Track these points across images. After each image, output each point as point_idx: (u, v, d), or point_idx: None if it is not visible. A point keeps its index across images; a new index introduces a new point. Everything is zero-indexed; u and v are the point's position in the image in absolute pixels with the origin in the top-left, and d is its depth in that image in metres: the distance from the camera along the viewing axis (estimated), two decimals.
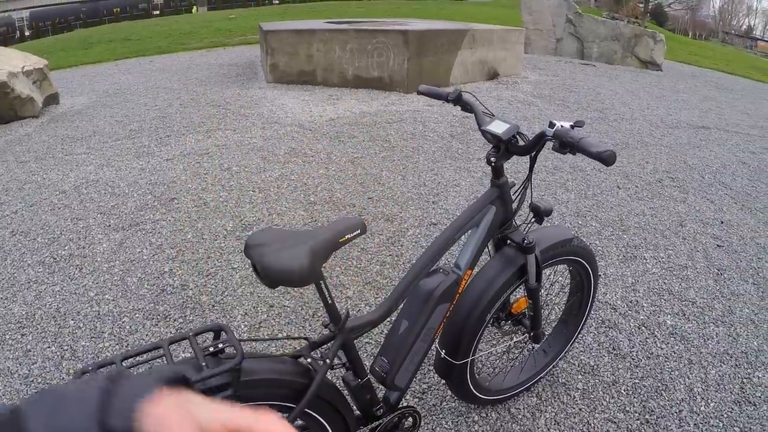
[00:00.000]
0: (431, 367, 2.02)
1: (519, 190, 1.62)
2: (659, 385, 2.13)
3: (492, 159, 1.51)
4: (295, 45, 7.07)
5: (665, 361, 2.27)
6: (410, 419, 1.61)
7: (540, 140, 1.43)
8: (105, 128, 5.23)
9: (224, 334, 1.06)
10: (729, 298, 2.78)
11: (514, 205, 1.62)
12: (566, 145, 1.34)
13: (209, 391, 0.98)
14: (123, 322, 2.40)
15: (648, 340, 2.40)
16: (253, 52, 10.34)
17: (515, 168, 3.89)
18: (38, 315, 2.45)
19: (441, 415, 1.93)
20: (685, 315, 2.60)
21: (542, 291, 1.80)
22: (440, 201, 3.70)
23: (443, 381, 1.98)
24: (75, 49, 13.00)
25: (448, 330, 1.63)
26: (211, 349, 1.03)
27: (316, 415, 1.26)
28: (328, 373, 1.24)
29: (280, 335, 2.33)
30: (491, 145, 1.54)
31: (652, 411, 2.00)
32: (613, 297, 2.71)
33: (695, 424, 1.95)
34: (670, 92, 8.39)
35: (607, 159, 1.26)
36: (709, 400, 2.07)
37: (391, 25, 7.82)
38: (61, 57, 11.05)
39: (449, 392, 1.99)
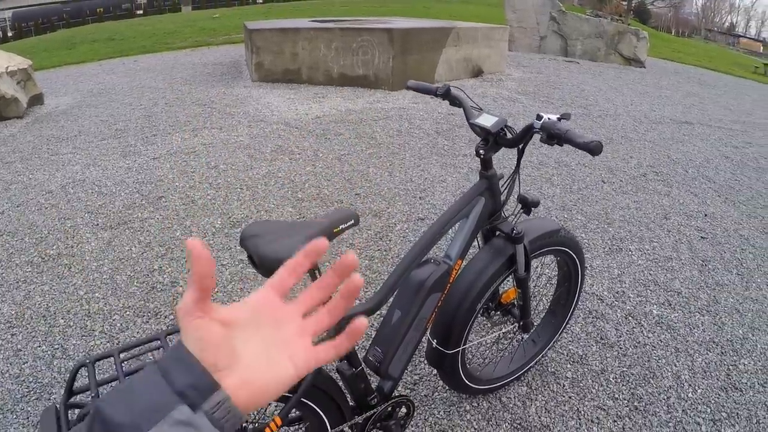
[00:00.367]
0: (423, 359, 2.04)
1: (507, 182, 1.65)
2: (647, 372, 2.18)
3: (481, 151, 1.54)
4: (280, 44, 7.06)
5: (652, 350, 2.31)
6: (404, 408, 1.63)
7: (528, 132, 1.46)
8: (90, 128, 5.19)
9: None
10: (714, 288, 2.83)
11: (503, 197, 1.65)
12: (554, 136, 1.37)
13: None
14: (114, 320, 2.39)
15: (635, 329, 2.45)
16: (237, 51, 10.29)
17: (501, 164, 3.93)
18: (28, 314, 2.43)
19: (433, 405, 1.96)
20: (671, 305, 2.65)
21: (530, 282, 1.83)
22: (427, 196, 3.73)
23: (435, 371, 2.01)
24: (58, 49, 12.87)
25: (439, 320, 1.65)
26: None
27: (312, 405, 1.28)
28: None
29: None
30: (480, 138, 1.56)
31: (641, 398, 2.04)
32: (599, 288, 2.76)
33: (683, 410, 1.99)
34: (653, 89, 8.50)
35: (594, 149, 1.29)
36: (697, 387, 2.12)
37: (376, 24, 7.84)
38: (45, 57, 10.92)
39: (441, 383, 2.02)
